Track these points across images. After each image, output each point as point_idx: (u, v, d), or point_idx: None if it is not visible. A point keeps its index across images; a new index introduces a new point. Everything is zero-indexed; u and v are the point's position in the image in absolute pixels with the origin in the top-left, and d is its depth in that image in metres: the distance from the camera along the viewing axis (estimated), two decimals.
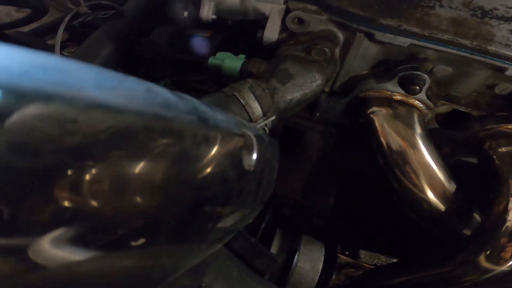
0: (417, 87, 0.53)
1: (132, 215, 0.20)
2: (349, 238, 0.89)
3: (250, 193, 0.31)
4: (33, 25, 0.99)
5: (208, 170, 0.23)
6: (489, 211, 0.52)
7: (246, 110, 0.48)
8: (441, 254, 0.57)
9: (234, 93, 0.49)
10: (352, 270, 0.73)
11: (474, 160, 0.65)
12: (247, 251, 0.40)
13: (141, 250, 0.21)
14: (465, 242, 0.54)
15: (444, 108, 0.61)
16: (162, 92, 0.24)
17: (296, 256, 0.62)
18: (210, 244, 0.30)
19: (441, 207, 0.56)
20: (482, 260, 0.49)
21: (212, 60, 0.62)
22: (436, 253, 0.59)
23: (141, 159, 0.19)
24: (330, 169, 0.78)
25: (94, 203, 0.18)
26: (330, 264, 0.67)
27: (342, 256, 0.72)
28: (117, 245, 0.20)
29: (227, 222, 0.30)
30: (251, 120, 0.49)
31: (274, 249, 0.64)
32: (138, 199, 0.20)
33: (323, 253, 0.65)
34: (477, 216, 0.58)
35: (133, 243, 0.21)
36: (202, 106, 0.27)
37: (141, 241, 0.21)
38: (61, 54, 0.81)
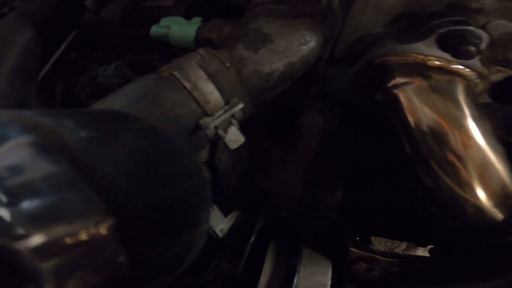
0: (473, 48, 0.37)
1: None
2: (360, 225, 0.81)
3: None
4: None
5: None
6: None
7: (193, 97, 0.30)
8: (481, 263, 0.50)
9: (174, 72, 0.31)
10: (365, 265, 0.66)
11: None
12: None
13: None
14: None
15: (498, 76, 0.45)
16: None
17: (294, 282, 0.52)
18: None
19: (498, 216, 0.44)
20: None
21: (155, 30, 0.45)
22: (473, 259, 0.52)
23: None
24: (335, 158, 0.69)
25: None
26: (339, 284, 0.57)
27: (352, 249, 0.67)
28: None
29: None
30: (205, 113, 0.31)
31: (265, 275, 0.55)
32: None
33: (330, 274, 0.56)
34: None
35: None
36: None
37: None
38: None
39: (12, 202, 0.14)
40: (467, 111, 0.41)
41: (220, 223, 0.61)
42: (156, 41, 0.47)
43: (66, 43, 0.77)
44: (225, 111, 0.31)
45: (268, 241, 0.61)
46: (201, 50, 0.34)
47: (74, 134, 0.17)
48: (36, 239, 0.14)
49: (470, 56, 0.37)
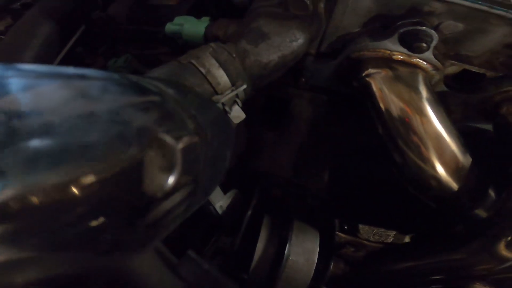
0: (424, 44, 0.44)
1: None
2: (347, 211, 0.83)
3: (175, 205, 0.24)
4: None
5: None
6: (510, 189, 0.46)
7: (207, 80, 0.38)
8: (452, 237, 0.52)
9: (192, 60, 0.39)
10: (352, 249, 0.67)
11: (488, 127, 0.58)
12: (199, 280, 0.30)
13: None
14: (481, 225, 0.48)
15: (453, 68, 0.52)
16: None
17: (287, 249, 0.55)
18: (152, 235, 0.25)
19: (454, 185, 0.49)
20: (501, 248, 0.44)
21: (169, 27, 0.51)
22: (446, 236, 0.54)
23: None
24: (323, 142, 0.71)
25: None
26: (327, 253, 0.61)
27: (340, 234, 0.67)
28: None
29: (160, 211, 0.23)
30: (215, 92, 0.39)
31: (261, 241, 0.58)
32: None
33: (318, 242, 0.59)
34: (492, 193, 0.51)
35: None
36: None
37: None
38: None
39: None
40: (425, 98, 0.48)
41: (219, 200, 0.62)
42: (169, 37, 0.54)
43: (75, 38, 0.79)
44: (232, 90, 0.39)
45: (262, 216, 0.63)
46: (212, 44, 0.42)
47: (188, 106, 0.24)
48: None
49: (421, 51, 0.44)
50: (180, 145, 0.22)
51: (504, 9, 0.42)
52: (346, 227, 0.89)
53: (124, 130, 0.19)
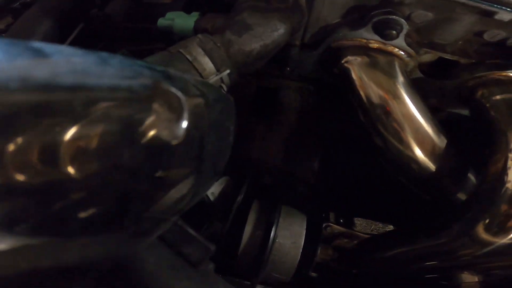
0: (394, 32, 0.47)
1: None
2: (343, 205, 0.83)
3: (184, 168, 0.25)
4: None
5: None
6: (485, 171, 0.47)
7: (194, 66, 0.42)
8: (437, 223, 0.52)
9: (180, 49, 0.42)
10: (346, 240, 0.67)
11: (466, 113, 0.60)
12: (174, 237, 0.33)
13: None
14: (460, 209, 0.48)
15: (428, 56, 0.54)
16: None
17: (273, 231, 0.56)
18: (145, 229, 0.25)
19: (431, 166, 0.51)
20: (480, 231, 0.43)
21: (161, 21, 0.55)
22: (432, 221, 0.54)
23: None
24: (311, 130, 0.72)
25: (21, 177, 0.16)
26: (314, 238, 0.62)
27: (334, 225, 0.66)
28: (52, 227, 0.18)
29: (160, 207, 0.24)
30: (202, 78, 0.42)
31: (249, 224, 0.59)
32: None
33: (305, 226, 0.60)
34: (472, 178, 0.53)
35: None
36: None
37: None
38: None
39: None
40: (401, 83, 0.50)
41: (211, 187, 0.63)
42: (161, 31, 0.57)
43: (73, 35, 0.80)
44: (216, 75, 0.43)
45: (252, 202, 0.64)
46: (199, 35, 0.45)
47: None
48: None
49: (391, 38, 0.47)
50: (186, 98, 0.22)
51: None
52: (341, 221, 0.93)
53: (131, 83, 0.20)
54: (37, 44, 0.18)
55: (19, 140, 0.16)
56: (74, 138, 0.17)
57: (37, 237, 0.18)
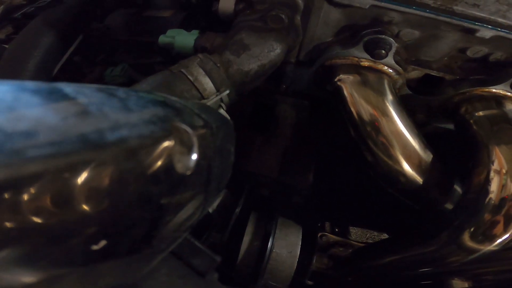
0: (383, 51, 0.49)
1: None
2: (337, 215, 0.86)
3: (195, 192, 0.27)
4: None
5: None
6: (469, 182, 0.49)
7: (195, 86, 0.44)
8: (427, 231, 0.54)
9: (182, 69, 0.44)
10: (341, 249, 0.68)
11: (451, 127, 0.62)
12: (183, 250, 0.35)
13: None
14: (448, 218, 0.50)
15: (415, 73, 0.57)
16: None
17: (270, 242, 0.58)
18: (162, 248, 0.27)
19: (418, 179, 0.53)
20: (466, 239, 0.45)
21: (162, 39, 0.56)
22: (423, 230, 0.56)
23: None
24: (307, 143, 0.75)
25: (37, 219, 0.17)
26: (310, 247, 0.63)
27: (329, 235, 0.67)
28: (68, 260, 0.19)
29: (174, 228, 0.26)
30: (202, 97, 0.44)
31: (248, 235, 0.61)
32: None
33: (301, 236, 0.62)
34: (458, 188, 0.55)
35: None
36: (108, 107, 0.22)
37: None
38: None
39: None
40: (389, 101, 0.52)
41: None
42: (162, 47, 0.59)
43: (73, 47, 0.80)
44: (216, 95, 0.45)
45: (250, 213, 0.65)
46: (200, 55, 0.47)
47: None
48: None
49: (380, 57, 0.49)
50: (194, 132, 0.25)
51: (449, 15, 0.46)
52: (337, 230, 0.95)
53: (153, 129, 0.22)
54: (60, 86, 0.20)
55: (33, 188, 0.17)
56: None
57: (62, 268, 0.19)
